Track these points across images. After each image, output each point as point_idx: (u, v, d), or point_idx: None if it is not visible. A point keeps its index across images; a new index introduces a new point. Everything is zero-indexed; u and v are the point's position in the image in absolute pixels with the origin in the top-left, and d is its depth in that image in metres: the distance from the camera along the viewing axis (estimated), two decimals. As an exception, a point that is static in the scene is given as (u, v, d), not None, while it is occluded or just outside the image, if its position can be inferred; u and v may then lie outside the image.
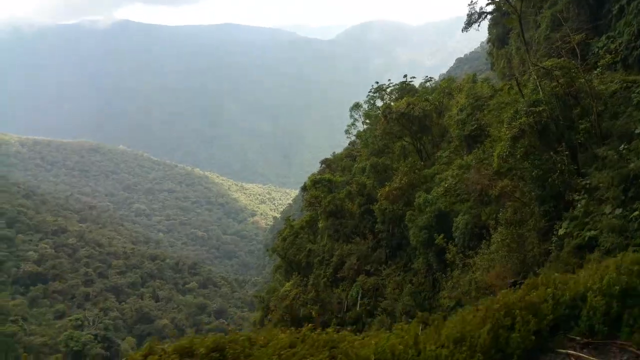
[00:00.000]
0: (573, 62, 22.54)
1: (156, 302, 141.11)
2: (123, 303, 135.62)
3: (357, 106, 50.28)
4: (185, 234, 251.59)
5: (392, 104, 41.71)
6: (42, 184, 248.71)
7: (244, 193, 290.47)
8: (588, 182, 18.88)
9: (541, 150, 20.27)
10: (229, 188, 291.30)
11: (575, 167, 19.92)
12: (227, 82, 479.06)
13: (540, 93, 20.78)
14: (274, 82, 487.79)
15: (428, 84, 58.37)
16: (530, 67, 23.58)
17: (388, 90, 48.09)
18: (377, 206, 36.14)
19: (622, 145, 19.03)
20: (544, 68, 21.18)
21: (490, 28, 64.95)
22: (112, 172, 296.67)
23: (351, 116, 52.35)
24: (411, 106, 37.48)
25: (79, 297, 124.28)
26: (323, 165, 58.29)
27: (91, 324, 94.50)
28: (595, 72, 32.26)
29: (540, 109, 19.52)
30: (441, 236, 28.27)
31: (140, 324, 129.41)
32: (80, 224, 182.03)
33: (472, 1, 62.15)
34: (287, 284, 38.95)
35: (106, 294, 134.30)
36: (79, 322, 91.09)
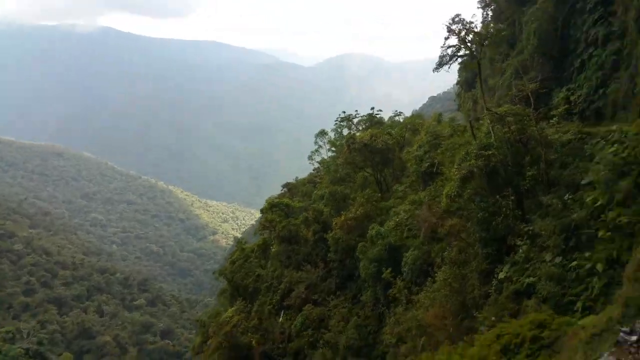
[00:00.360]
0: (527, 109, 22.90)
1: (100, 317, 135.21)
2: (65, 316, 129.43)
3: (322, 133, 50.17)
4: (140, 248, 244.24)
5: (357, 134, 41.75)
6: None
7: (207, 210, 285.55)
8: (531, 228, 18.86)
9: (488, 194, 20.29)
10: (192, 204, 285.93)
11: (520, 213, 19.95)
12: (202, 98, 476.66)
13: (492, 137, 20.96)
14: (250, 102, 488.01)
15: (397, 118, 59.08)
16: (485, 112, 23.86)
17: (355, 120, 48.28)
18: (331, 235, 35.61)
19: (567, 195, 19.19)
20: (496, 113, 21.43)
21: (460, 71, 66.69)
22: (72, 178, 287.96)
23: (316, 142, 52.18)
24: (374, 138, 37.52)
25: (17, 307, 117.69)
26: (284, 189, 57.64)
27: (25, 337, 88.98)
28: (552, 121, 33.17)
29: (490, 153, 19.61)
30: (388, 270, 27.89)
31: (81, 339, 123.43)
32: (31, 230, 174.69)
33: (444, 43, 64.09)
34: (230, 310, 37.56)
35: (47, 305, 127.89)
36: (11, 335, 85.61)
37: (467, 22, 63.81)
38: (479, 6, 55.00)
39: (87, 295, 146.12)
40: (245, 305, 37.52)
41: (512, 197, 19.40)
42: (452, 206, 21.52)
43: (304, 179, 56.10)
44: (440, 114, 53.40)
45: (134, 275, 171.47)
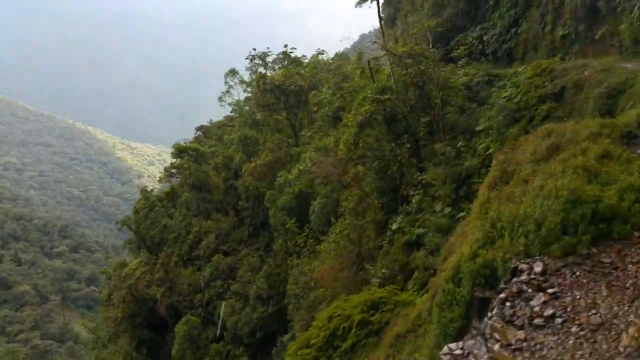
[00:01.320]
0: (429, 50, 21.69)
1: (18, 266, 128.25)
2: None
3: (232, 72, 46.40)
4: (61, 193, 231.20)
5: (267, 74, 39.39)
6: None
7: (131, 153, 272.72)
8: (424, 177, 18.23)
9: (387, 141, 19.37)
10: (113, 146, 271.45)
11: (416, 161, 19.25)
12: (125, 36, 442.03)
13: (392, 80, 19.78)
14: (178, 41, 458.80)
15: (321, 56, 56.56)
16: (384, 52, 22.49)
17: (269, 59, 45.36)
18: (241, 182, 34.01)
19: (461, 142, 18.62)
20: (394, 54, 20.09)
21: (383, 5, 64.58)
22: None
23: (226, 82, 48.62)
24: (286, 78, 35.40)
25: None
26: (198, 132, 54.57)
27: None
28: (460, 62, 32.47)
29: (386, 97, 18.42)
30: (292, 221, 27.00)
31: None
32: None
33: (365, -23, 61.32)
34: (134, 262, 35.68)
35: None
36: None
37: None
38: None
39: (2, 244, 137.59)
40: (151, 256, 35.77)
41: (408, 145, 18.53)
42: (354, 154, 20.45)
43: (219, 121, 53.06)
44: (360, 53, 51.53)
45: (53, 222, 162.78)
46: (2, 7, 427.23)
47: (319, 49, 59.97)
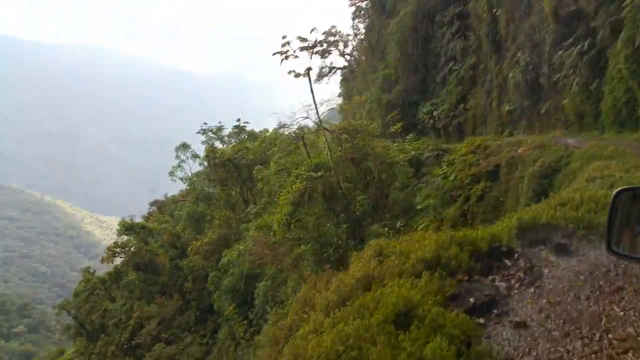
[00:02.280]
0: (367, 125, 21.05)
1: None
2: None
3: (184, 146, 45.44)
4: (26, 269, 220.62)
5: (220, 147, 38.54)
6: None
7: (100, 226, 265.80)
8: (361, 261, 16.80)
9: (326, 220, 18.11)
10: (82, 219, 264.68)
11: (354, 243, 17.91)
12: (92, 107, 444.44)
13: (328, 156, 18.88)
14: (145, 112, 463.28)
15: (282, 130, 56.44)
16: (318, 128, 21.84)
17: (225, 132, 44.73)
18: (185, 262, 31.89)
19: (400, 222, 17.48)
20: (327, 130, 19.36)
21: (341, 82, 66.06)
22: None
23: (177, 157, 47.40)
24: (235, 152, 34.50)
25: None
26: (152, 208, 52.51)
27: None
28: (408, 137, 32.21)
29: (319, 174, 17.37)
30: (232, 306, 24.89)
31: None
32: None
33: (324, 55, 62.99)
34: (68, 352, 32.36)
35: None
36: None
37: (345, 35, 62.94)
38: (352, 17, 54.45)
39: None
40: (88, 345, 32.56)
41: (345, 225, 17.26)
42: (290, 234, 19.02)
43: (173, 196, 51.31)
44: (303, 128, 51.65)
45: (13, 300, 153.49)
46: None
47: (280, 122, 60.08)
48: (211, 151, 36.71)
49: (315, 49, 22.63)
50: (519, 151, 16.63)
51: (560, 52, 23.11)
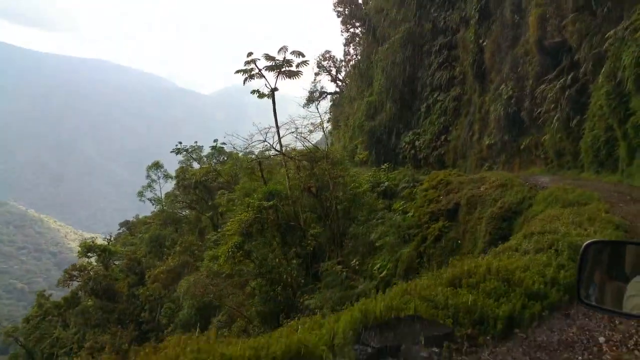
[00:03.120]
0: (335, 152, 19.55)
1: None
2: None
3: (156, 165, 43.37)
4: (3, 285, 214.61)
5: (190, 168, 36.86)
6: None
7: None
8: (310, 302, 15.03)
9: (270, 255, 16.40)
10: (65, 235, 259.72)
11: (304, 280, 16.18)
12: (86, 119, 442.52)
13: (286, 184, 17.33)
14: (141, 127, 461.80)
15: (268, 152, 54.97)
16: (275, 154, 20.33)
17: (204, 153, 43.05)
18: (142, 290, 29.82)
19: (356, 260, 15.82)
20: (284, 155, 17.84)
21: (330, 108, 65.11)
22: None
23: (148, 176, 45.31)
24: (205, 175, 32.83)
25: None
26: (123, 228, 50.30)
27: None
28: (383, 167, 30.77)
29: (270, 203, 15.75)
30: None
31: None
32: None
33: (314, 79, 62.18)
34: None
35: None
36: None
37: (338, 60, 61.94)
38: (344, 43, 53.84)
39: None
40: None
41: (295, 261, 15.57)
42: (237, 266, 17.25)
43: (144, 217, 49.12)
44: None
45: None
46: None
47: (266, 142, 58.57)
48: (182, 172, 35.02)
49: (283, 69, 21.13)
50: (481, 189, 15.15)
51: (543, 86, 21.96)
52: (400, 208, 16.19)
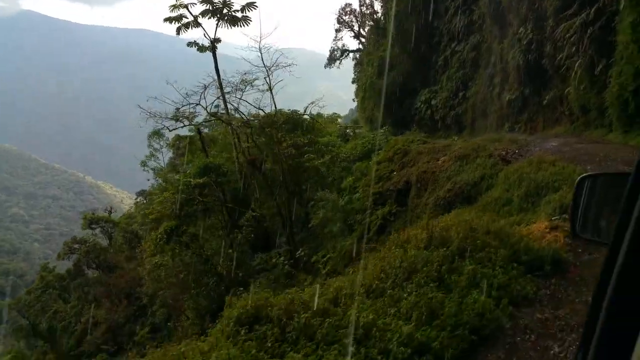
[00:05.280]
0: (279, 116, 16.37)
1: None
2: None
3: (156, 134, 39.82)
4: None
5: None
6: None
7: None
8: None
9: (213, 242, 13.82)
10: (121, 201, 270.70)
11: (242, 275, 13.53)
12: (134, 90, 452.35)
13: (235, 156, 14.47)
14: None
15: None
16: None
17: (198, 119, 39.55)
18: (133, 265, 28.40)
19: (301, 250, 12.93)
20: (222, 121, 14.92)
21: (355, 67, 60.85)
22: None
23: (149, 145, 42.53)
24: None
25: None
26: (139, 198, 49.27)
27: None
28: (382, 130, 27.27)
29: (201, 180, 13.03)
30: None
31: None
32: None
33: (335, 37, 57.71)
34: (6, 356, 29.55)
35: None
36: None
37: (358, 13, 57.14)
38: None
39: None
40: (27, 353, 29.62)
41: (231, 250, 12.95)
42: (173, 255, 14.84)
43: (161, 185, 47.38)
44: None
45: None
46: (19, 56, 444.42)
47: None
48: (177, 140, 32.79)
49: (223, 13, 17.75)
50: (439, 162, 11.65)
51: (563, 25, 17.63)
52: (351, 186, 13.02)
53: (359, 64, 60.20)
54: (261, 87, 18.79)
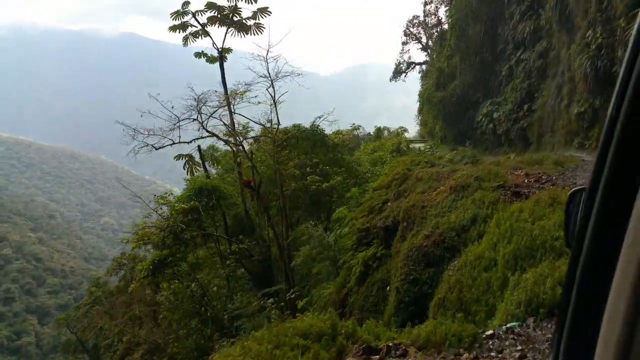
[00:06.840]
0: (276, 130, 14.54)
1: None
2: (45, 327, 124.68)
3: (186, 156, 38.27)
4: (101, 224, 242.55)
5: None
6: (12, 185, 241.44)
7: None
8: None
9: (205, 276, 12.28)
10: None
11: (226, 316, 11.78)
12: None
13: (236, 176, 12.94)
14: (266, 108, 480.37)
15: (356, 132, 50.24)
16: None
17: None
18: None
19: (290, 293, 10.97)
20: (214, 135, 13.33)
21: (421, 79, 58.05)
22: (87, 181, 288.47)
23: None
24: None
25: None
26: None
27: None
28: (428, 146, 24.60)
29: (190, 205, 11.55)
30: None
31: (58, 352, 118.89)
32: (30, 234, 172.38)
33: (402, 49, 55.24)
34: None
35: (26, 315, 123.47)
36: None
37: (426, 25, 54.63)
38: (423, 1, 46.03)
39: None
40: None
41: (215, 288, 11.29)
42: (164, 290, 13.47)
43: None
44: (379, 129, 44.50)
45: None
46: (116, 74, 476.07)
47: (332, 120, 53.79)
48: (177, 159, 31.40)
49: (234, 21, 16.22)
50: (434, 194, 9.15)
51: (638, 24, 14.42)
52: (343, 218, 10.75)
53: (424, 77, 57.47)
54: (287, 100, 17.27)
